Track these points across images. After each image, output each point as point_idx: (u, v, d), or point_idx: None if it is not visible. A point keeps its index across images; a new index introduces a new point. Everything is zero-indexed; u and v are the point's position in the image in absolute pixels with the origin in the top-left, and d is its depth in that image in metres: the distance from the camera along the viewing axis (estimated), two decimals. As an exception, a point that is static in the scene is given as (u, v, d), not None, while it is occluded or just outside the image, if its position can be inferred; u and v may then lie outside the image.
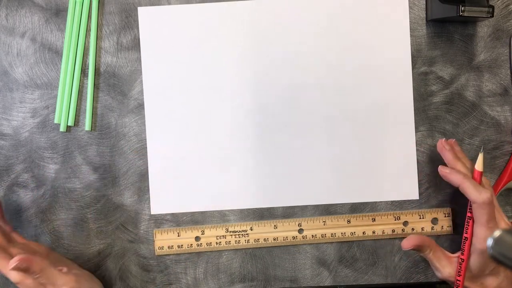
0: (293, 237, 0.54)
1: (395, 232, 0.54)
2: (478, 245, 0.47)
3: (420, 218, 0.54)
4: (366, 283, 0.55)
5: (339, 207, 0.55)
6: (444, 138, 0.51)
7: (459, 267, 0.49)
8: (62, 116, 0.54)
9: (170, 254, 0.55)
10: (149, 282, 0.55)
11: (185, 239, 0.54)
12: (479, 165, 0.48)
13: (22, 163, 0.55)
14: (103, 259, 0.55)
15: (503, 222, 0.48)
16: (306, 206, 0.55)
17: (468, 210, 0.49)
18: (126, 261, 0.55)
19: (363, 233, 0.54)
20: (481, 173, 0.48)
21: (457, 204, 0.54)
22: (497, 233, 0.36)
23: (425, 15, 0.54)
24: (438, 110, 0.55)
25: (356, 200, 0.55)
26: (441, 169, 0.49)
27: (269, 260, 0.55)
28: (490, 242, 0.36)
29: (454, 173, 0.48)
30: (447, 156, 0.50)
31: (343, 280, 0.55)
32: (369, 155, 0.54)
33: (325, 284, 0.55)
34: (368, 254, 0.55)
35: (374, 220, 0.54)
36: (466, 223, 0.49)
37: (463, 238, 0.49)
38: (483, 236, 0.47)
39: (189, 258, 0.55)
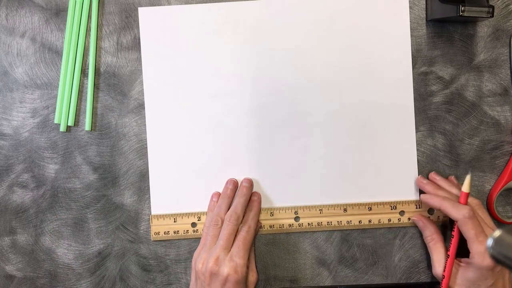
0: (289, 225, 0.54)
1: (392, 222, 0.54)
2: (473, 260, 0.48)
3: (416, 207, 0.54)
4: (366, 283, 0.55)
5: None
6: (420, 175, 0.54)
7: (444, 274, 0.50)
8: (62, 116, 0.54)
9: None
10: (149, 282, 0.55)
11: (181, 225, 0.54)
12: (465, 187, 0.49)
13: (22, 163, 0.55)
14: (103, 259, 0.55)
15: None
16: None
17: (452, 229, 0.50)
18: (126, 261, 0.55)
19: (359, 222, 0.54)
20: (467, 194, 0.49)
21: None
22: (497, 233, 0.36)
23: (425, 15, 0.54)
24: (438, 110, 0.55)
25: (356, 200, 0.55)
26: (422, 196, 0.52)
27: (269, 260, 0.55)
28: (490, 242, 0.36)
29: (433, 197, 0.51)
30: (427, 188, 0.53)
31: (343, 280, 0.55)
32: (369, 155, 0.54)
33: (325, 284, 0.55)
34: (368, 254, 0.55)
35: (370, 209, 0.54)
36: (449, 242, 0.51)
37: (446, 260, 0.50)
38: (476, 251, 0.47)
39: (189, 258, 0.55)
